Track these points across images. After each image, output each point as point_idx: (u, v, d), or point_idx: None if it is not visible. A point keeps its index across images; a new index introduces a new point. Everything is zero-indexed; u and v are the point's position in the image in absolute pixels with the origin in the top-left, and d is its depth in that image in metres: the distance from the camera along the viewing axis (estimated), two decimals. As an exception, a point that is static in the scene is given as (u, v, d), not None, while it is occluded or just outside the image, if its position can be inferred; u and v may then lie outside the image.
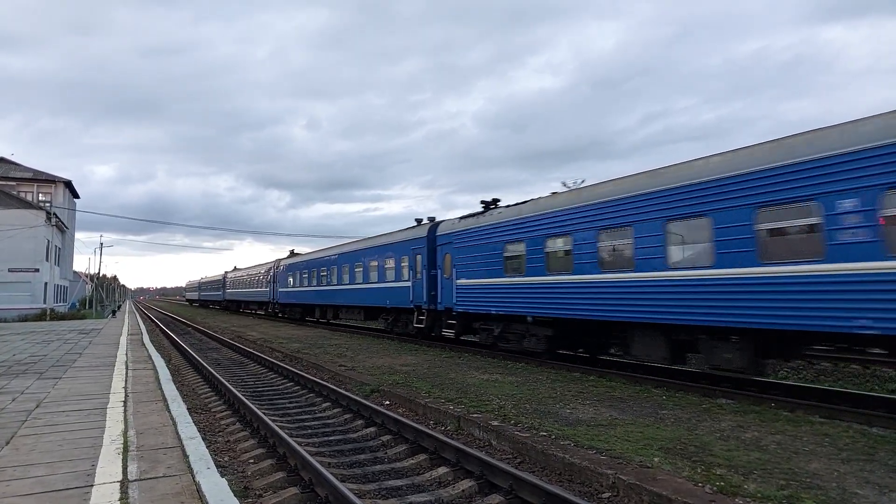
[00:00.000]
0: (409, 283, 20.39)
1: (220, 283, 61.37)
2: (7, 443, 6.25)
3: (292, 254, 39.23)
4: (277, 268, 38.87)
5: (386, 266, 22.52)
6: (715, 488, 5.27)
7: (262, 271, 43.37)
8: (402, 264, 21.03)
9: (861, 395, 9.93)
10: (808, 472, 5.77)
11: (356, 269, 25.64)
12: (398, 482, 6.53)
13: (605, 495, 5.73)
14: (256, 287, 44.89)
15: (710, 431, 7.43)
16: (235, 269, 58.42)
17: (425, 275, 19.16)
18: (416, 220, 21.98)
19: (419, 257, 19.76)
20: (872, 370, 12.82)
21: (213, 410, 10.63)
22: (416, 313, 20.06)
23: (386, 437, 8.31)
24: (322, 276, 30.18)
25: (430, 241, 19.23)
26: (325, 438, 8.46)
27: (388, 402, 10.50)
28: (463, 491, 6.14)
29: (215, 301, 67.22)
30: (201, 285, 77.29)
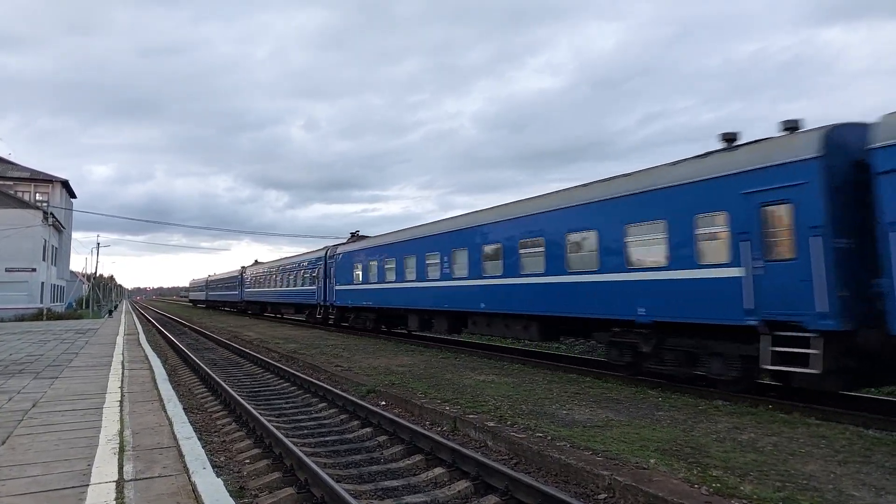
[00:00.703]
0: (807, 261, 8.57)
1: (237, 280, 51.80)
2: (3, 442, 6.23)
3: (355, 237, 29.33)
4: (332, 256, 28.25)
5: (667, 234, 10.75)
6: (711, 490, 5.28)
7: (305, 263, 32.77)
8: (771, 217, 9.10)
9: (857, 396, 9.95)
10: (805, 473, 5.78)
11: (530, 250, 14.16)
12: (394, 483, 6.52)
13: (602, 496, 5.73)
14: (294, 285, 34.32)
15: (707, 433, 7.44)
16: (256, 262, 49.73)
17: None
18: (787, 123, 9.38)
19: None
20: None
21: (209, 410, 10.61)
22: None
23: (382, 438, 8.30)
24: (430, 265, 18.88)
25: None
26: (322, 439, 8.45)
27: (384, 403, 10.50)
28: (459, 492, 6.13)
29: (229, 302, 57.25)
30: (209, 283, 67.65)
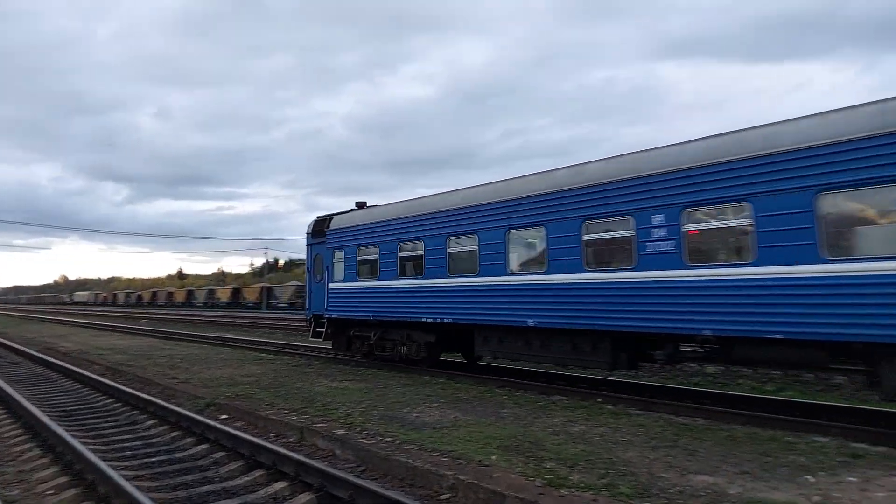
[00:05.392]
0: None
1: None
2: None
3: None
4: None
5: None
6: (545, 481, 5.58)
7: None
8: None
9: (672, 388, 11.28)
10: (625, 460, 6.35)
11: None
12: (229, 502, 6.03)
13: (445, 496, 5.80)
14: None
15: (544, 427, 7.91)
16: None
17: None
18: None
19: None
20: (680, 366, 14.59)
21: (4, 437, 9.05)
22: None
23: (219, 455, 7.67)
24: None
25: None
26: (147, 460, 7.59)
27: (225, 416, 9.77)
28: (300, 505, 5.84)
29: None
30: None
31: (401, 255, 14.13)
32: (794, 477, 5.76)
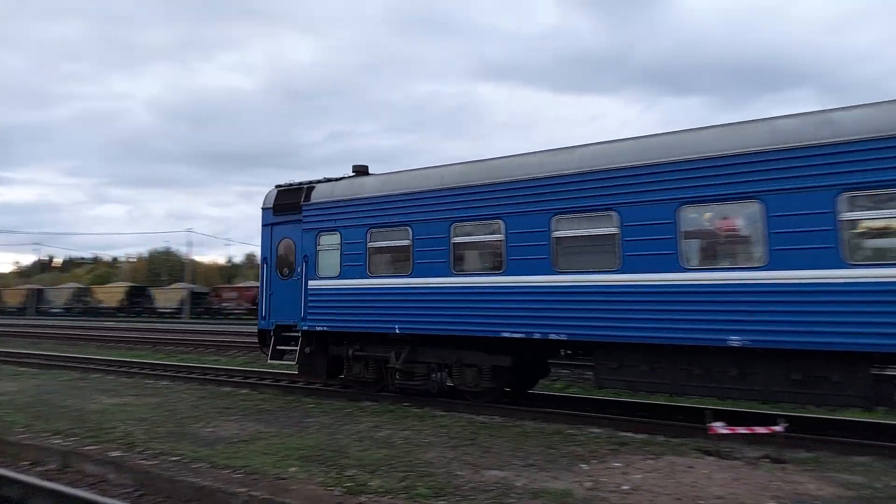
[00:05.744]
0: None
1: None
2: None
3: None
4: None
5: None
6: (344, 490, 5.46)
7: None
8: None
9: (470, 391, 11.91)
10: (425, 461, 6.51)
11: None
12: (-50, 551, 4.87)
13: (236, 516, 5.36)
14: None
15: (349, 434, 7.80)
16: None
17: None
18: None
19: None
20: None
21: None
22: None
23: (-57, 493, 6.20)
24: None
25: None
26: None
27: (-40, 445, 7.98)
28: (53, 545, 4.94)
29: None
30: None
31: (456, 240, 10.00)
32: (571, 466, 6.41)
